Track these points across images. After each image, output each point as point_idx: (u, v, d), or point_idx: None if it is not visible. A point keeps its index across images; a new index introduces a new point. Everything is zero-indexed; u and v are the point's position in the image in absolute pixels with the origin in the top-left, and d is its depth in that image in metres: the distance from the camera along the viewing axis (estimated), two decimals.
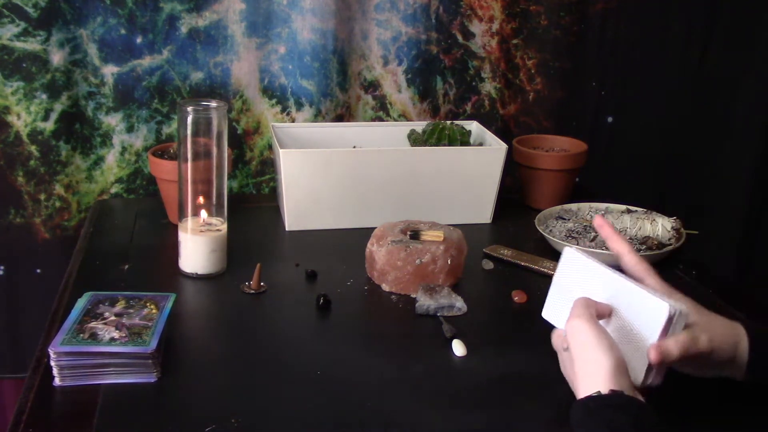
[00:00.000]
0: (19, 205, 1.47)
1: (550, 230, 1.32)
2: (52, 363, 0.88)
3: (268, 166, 1.59)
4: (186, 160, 1.14)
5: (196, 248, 1.16)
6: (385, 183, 1.36)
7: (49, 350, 0.89)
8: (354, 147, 1.47)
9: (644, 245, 1.25)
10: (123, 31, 1.44)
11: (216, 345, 1.02)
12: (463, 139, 1.42)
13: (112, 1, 1.42)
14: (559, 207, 1.41)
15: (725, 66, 1.73)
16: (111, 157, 1.51)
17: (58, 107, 1.43)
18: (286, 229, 1.37)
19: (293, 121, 1.56)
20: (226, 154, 1.17)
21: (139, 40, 1.46)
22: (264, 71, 1.53)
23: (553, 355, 0.87)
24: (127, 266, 1.20)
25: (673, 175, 1.79)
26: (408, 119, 1.64)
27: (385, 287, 1.15)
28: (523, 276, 1.23)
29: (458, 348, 0.99)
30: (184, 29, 1.47)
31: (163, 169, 1.33)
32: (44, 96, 1.42)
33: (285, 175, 1.32)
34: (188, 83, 1.50)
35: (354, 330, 1.07)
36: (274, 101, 1.55)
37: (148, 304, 0.99)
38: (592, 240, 1.28)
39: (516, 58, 1.67)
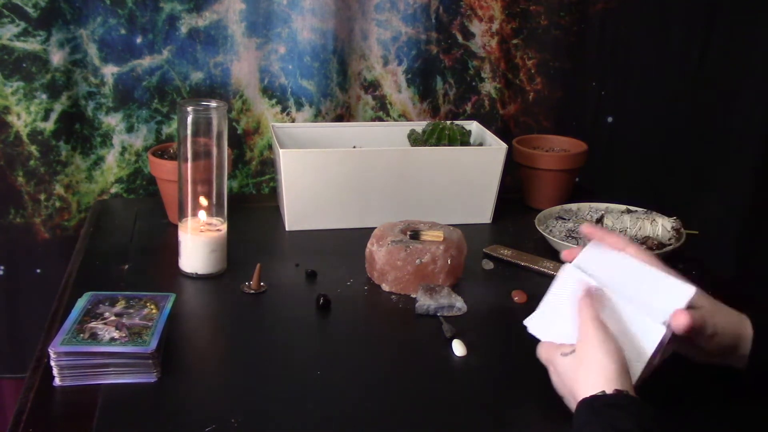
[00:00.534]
0: (19, 205, 1.47)
1: (550, 230, 1.32)
2: (52, 363, 0.88)
3: (268, 166, 1.59)
4: (186, 160, 1.14)
5: (196, 248, 1.16)
6: (385, 183, 1.36)
7: (49, 350, 0.89)
8: (354, 147, 1.47)
9: (644, 245, 1.25)
10: (123, 31, 1.45)
11: (216, 345, 1.02)
12: (463, 139, 1.42)
13: (112, 1, 1.42)
14: (559, 207, 1.41)
15: (725, 67, 1.73)
16: (111, 157, 1.51)
17: (58, 107, 1.44)
18: (286, 229, 1.37)
19: (293, 121, 1.56)
20: (226, 154, 1.17)
21: (139, 40, 1.46)
22: (264, 71, 1.53)
23: None
24: (127, 266, 1.20)
25: (673, 175, 1.79)
26: (408, 119, 1.64)
27: (385, 287, 1.15)
28: (523, 276, 1.23)
29: (458, 348, 0.99)
30: (184, 29, 1.47)
31: (163, 169, 1.33)
32: (44, 96, 1.42)
33: (285, 175, 1.32)
34: (188, 83, 1.50)
35: (354, 330, 1.07)
36: (274, 101, 1.55)
37: (148, 304, 0.99)
38: None
39: (516, 58, 1.67)
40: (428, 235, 1.17)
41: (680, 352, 0.86)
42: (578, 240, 1.28)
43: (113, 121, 1.49)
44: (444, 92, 1.65)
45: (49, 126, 1.44)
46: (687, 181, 1.80)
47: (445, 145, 1.41)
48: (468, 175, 1.39)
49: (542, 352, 0.88)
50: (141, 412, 0.86)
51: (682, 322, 0.80)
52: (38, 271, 1.51)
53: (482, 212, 1.43)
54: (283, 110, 1.56)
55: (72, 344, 0.89)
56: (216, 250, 1.17)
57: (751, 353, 0.86)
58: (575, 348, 0.82)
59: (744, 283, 1.83)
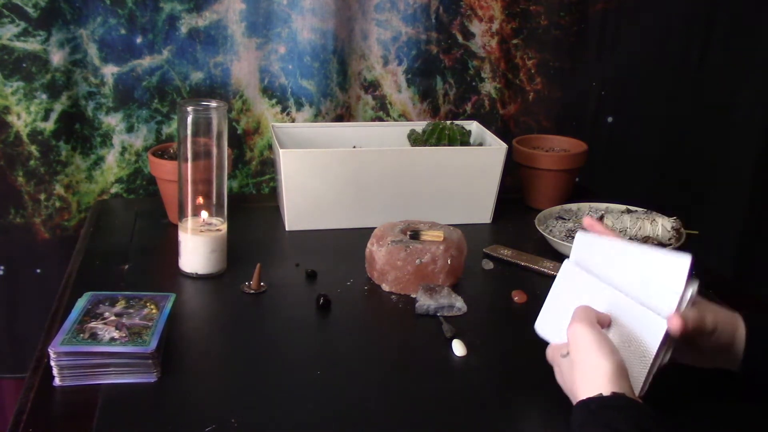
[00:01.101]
0: (19, 205, 1.47)
1: (550, 230, 1.32)
2: (52, 363, 0.88)
3: (268, 166, 1.59)
4: (186, 160, 1.14)
5: (196, 248, 1.16)
6: (385, 183, 1.36)
7: (49, 350, 0.89)
8: (354, 147, 1.47)
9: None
10: (123, 31, 1.45)
11: (216, 345, 1.02)
12: (463, 139, 1.42)
13: (112, 1, 1.42)
14: (559, 207, 1.41)
15: (725, 67, 1.73)
16: (111, 157, 1.51)
17: (58, 107, 1.44)
18: (286, 229, 1.37)
19: (293, 121, 1.56)
20: (226, 154, 1.17)
21: (139, 40, 1.46)
22: (264, 71, 1.53)
23: None
24: (127, 266, 1.20)
25: (673, 174, 1.79)
26: (408, 119, 1.64)
27: (385, 287, 1.15)
28: (523, 276, 1.23)
29: (458, 348, 0.99)
30: (184, 29, 1.47)
31: (163, 169, 1.33)
32: (44, 96, 1.42)
33: (285, 175, 1.32)
34: (188, 83, 1.50)
35: (354, 330, 1.07)
36: (274, 101, 1.55)
37: (148, 304, 0.99)
38: None
39: (516, 58, 1.67)
40: (428, 235, 1.17)
41: (674, 358, 0.86)
42: None
43: (113, 121, 1.49)
44: (444, 92, 1.65)
45: (49, 126, 1.44)
46: (687, 180, 1.80)
47: (445, 145, 1.41)
48: (468, 175, 1.39)
49: (549, 353, 0.88)
50: (141, 412, 0.86)
51: (674, 324, 0.80)
52: (38, 271, 1.51)
53: (482, 212, 1.43)
54: (283, 110, 1.56)
55: (72, 344, 0.89)
56: (216, 250, 1.17)
57: (745, 352, 0.87)
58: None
59: (744, 283, 1.83)
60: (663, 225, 1.28)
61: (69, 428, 0.84)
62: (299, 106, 1.56)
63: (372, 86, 1.61)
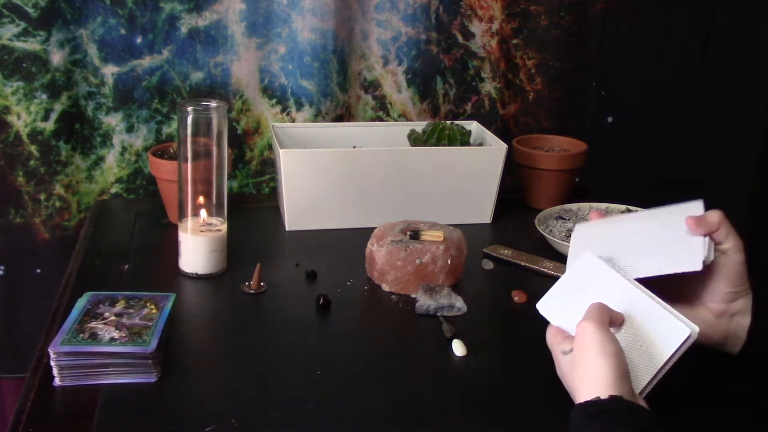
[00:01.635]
0: (19, 205, 1.47)
1: (550, 230, 1.32)
2: (52, 363, 0.88)
3: (268, 166, 1.59)
4: (186, 160, 1.14)
5: (196, 248, 1.16)
6: (385, 183, 1.36)
7: (49, 350, 0.89)
8: (354, 147, 1.47)
9: None
10: (123, 31, 1.44)
11: (216, 345, 1.02)
12: (463, 139, 1.42)
13: (112, 1, 1.42)
14: (559, 207, 1.41)
15: (725, 66, 1.73)
16: (111, 157, 1.51)
17: (58, 107, 1.43)
18: (286, 229, 1.37)
19: (293, 121, 1.56)
20: (226, 154, 1.17)
21: (139, 40, 1.46)
22: (264, 71, 1.53)
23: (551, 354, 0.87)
24: (127, 266, 1.20)
25: (673, 174, 1.79)
26: (408, 119, 1.64)
27: (385, 287, 1.15)
28: (523, 276, 1.23)
29: (458, 348, 0.99)
30: (184, 29, 1.47)
31: (163, 169, 1.33)
32: (44, 96, 1.42)
33: (285, 175, 1.32)
34: (188, 83, 1.50)
35: (354, 330, 1.07)
36: (274, 101, 1.55)
37: (148, 304, 0.99)
38: None
39: (516, 58, 1.67)
40: (428, 235, 1.17)
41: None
42: None
43: (113, 121, 1.49)
44: (444, 92, 1.65)
45: (49, 126, 1.44)
46: (687, 181, 1.79)
47: (445, 145, 1.41)
48: (468, 175, 1.39)
49: (549, 337, 0.86)
50: (141, 412, 0.86)
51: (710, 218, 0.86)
52: (38, 271, 1.51)
53: (482, 212, 1.43)
54: (283, 110, 1.56)
55: (72, 344, 0.89)
56: (216, 250, 1.17)
57: (750, 328, 0.87)
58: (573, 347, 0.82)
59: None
60: None
61: (69, 428, 0.84)
62: (299, 106, 1.56)
63: (372, 86, 1.61)
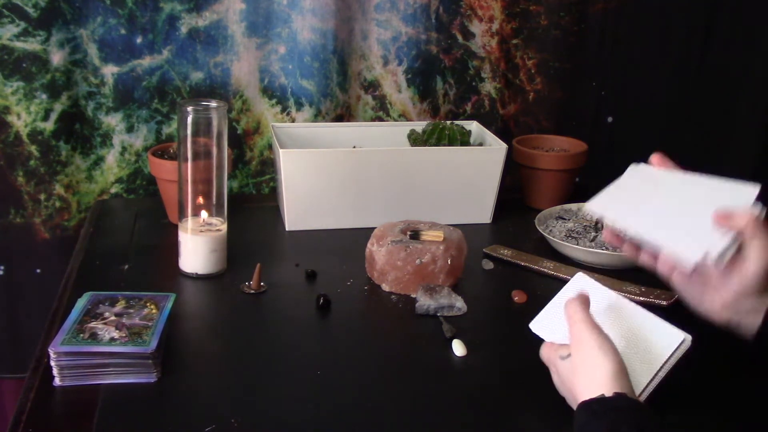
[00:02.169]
0: (19, 205, 1.47)
1: (550, 230, 1.32)
2: (52, 363, 0.88)
3: (268, 166, 1.59)
4: (186, 160, 1.14)
5: (196, 248, 1.16)
6: (385, 183, 1.36)
7: (49, 350, 0.89)
8: (354, 147, 1.47)
9: None
10: (123, 31, 1.44)
11: (216, 345, 1.02)
12: (463, 139, 1.42)
13: (112, 1, 1.42)
14: (559, 207, 1.41)
15: (725, 66, 1.73)
16: (111, 157, 1.51)
17: (58, 107, 1.43)
18: (286, 229, 1.37)
19: (293, 121, 1.56)
20: (226, 154, 1.17)
21: (139, 40, 1.46)
22: (264, 71, 1.53)
23: None
24: (127, 266, 1.20)
25: None
26: (408, 119, 1.64)
27: (385, 287, 1.15)
28: (523, 276, 1.23)
29: (458, 348, 0.99)
30: (184, 29, 1.47)
31: (163, 169, 1.33)
32: (44, 96, 1.42)
33: (285, 175, 1.32)
34: (188, 83, 1.50)
35: (354, 330, 1.07)
36: (274, 101, 1.55)
37: (148, 304, 0.99)
38: (592, 240, 1.28)
39: (516, 58, 1.67)
40: (428, 235, 1.17)
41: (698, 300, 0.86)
42: (578, 240, 1.28)
43: (113, 121, 1.49)
44: (444, 92, 1.65)
45: (49, 126, 1.44)
46: None
47: (445, 145, 1.41)
48: (468, 175, 1.39)
49: (544, 352, 0.89)
50: (141, 412, 0.86)
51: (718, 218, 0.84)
52: (38, 271, 1.51)
53: (482, 212, 1.43)
54: (283, 110, 1.56)
55: (72, 344, 0.89)
56: (216, 250, 1.17)
57: (760, 329, 0.86)
58: (571, 351, 0.82)
59: None
60: None
61: (69, 428, 0.84)
62: (299, 106, 1.56)
63: (372, 86, 1.61)
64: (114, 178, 1.52)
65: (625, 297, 0.90)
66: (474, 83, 1.66)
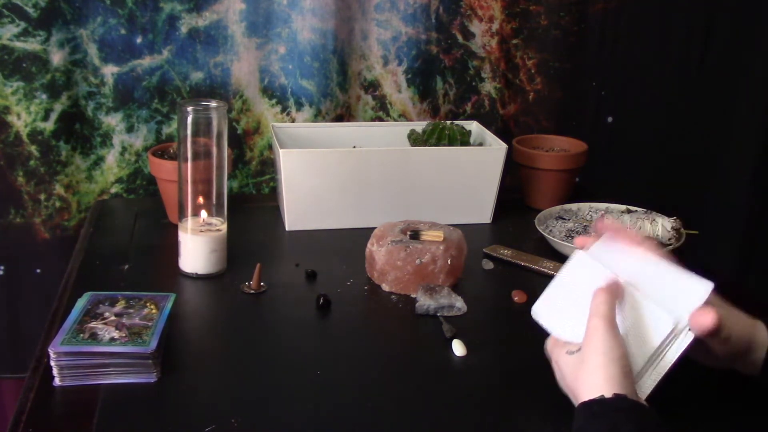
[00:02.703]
0: (19, 205, 1.47)
1: (550, 230, 1.32)
2: (52, 363, 0.88)
3: (268, 166, 1.59)
4: (186, 160, 1.14)
5: (196, 248, 1.16)
6: (385, 183, 1.36)
7: (49, 350, 0.89)
8: (354, 147, 1.47)
9: None
10: (123, 31, 1.44)
11: (216, 345, 1.02)
12: (463, 139, 1.42)
13: (112, 1, 1.42)
14: (559, 207, 1.41)
15: (725, 66, 1.73)
16: (111, 157, 1.51)
17: (58, 107, 1.43)
18: (286, 229, 1.37)
19: (293, 121, 1.56)
20: (226, 154, 1.17)
21: (139, 40, 1.46)
22: (264, 71, 1.53)
23: None
24: (127, 266, 1.20)
25: (673, 175, 1.79)
26: (408, 119, 1.64)
27: (385, 287, 1.15)
28: (523, 276, 1.23)
29: (458, 348, 0.99)
30: (184, 29, 1.47)
31: (163, 169, 1.33)
32: (44, 96, 1.42)
33: (285, 175, 1.32)
34: (188, 83, 1.50)
35: (354, 330, 1.07)
36: (274, 101, 1.55)
37: (148, 304, 0.99)
38: None
39: (516, 58, 1.67)
40: (428, 235, 1.17)
41: (689, 356, 0.85)
42: None
43: (113, 121, 1.49)
44: (444, 92, 1.65)
45: (49, 126, 1.44)
46: (687, 181, 1.80)
47: (445, 145, 1.41)
48: (468, 175, 1.39)
49: (548, 344, 0.87)
50: (141, 412, 0.86)
51: (706, 321, 0.78)
52: (38, 271, 1.51)
53: (482, 212, 1.43)
54: (283, 110, 1.56)
55: (72, 344, 0.89)
56: (216, 250, 1.17)
57: (766, 360, 0.85)
58: (581, 346, 0.81)
59: (746, 283, 1.83)
60: (663, 225, 1.28)
61: (69, 428, 0.84)
62: (299, 106, 1.56)
63: (372, 86, 1.61)
64: (114, 178, 1.52)
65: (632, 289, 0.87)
66: (474, 83, 1.66)
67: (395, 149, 1.43)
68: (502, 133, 1.60)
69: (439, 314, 1.08)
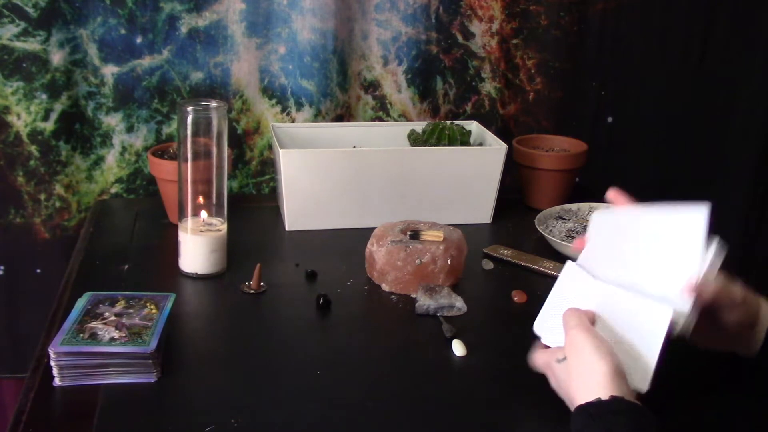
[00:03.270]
0: (19, 205, 1.47)
1: (550, 230, 1.32)
2: (52, 363, 0.88)
3: (268, 166, 1.59)
4: (186, 160, 1.14)
5: (196, 248, 1.16)
6: (385, 183, 1.36)
7: (49, 350, 0.89)
8: (354, 147, 1.47)
9: None
10: (123, 31, 1.44)
11: (216, 345, 1.02)
12: (463, 139, 1.42)
13: (112, 1, 1.42)
14: (559, 207, 1.41)
15: (725, 66, 1.73)
16: (111, 157, 1.51)
17: (58, 107, 1.43)
18: (286, 229, 1.37)
19: (293, 121, 1.56)
20: (226, 154, 1.17)
21: (139, 40, 1.46)
22: (264, 71, 1.53)
23: None
24: (127, 266, 1.20)
25: (673, 174, 1.79)
26: (408, 119, 1.64)
27: (385, 287, 1.15)
28: (523, 276, 1.23)
29: (458, 348, 0.99)
30: (184, 29, 1.47)
31: (163, 169, 1.33)
32: (44, 96, 1.42)
33: (285, 175, 1.32)
34: (188, 83, 1.50)
35: (354, 330, 1.07)
36: (274, 101, 1.55)
37: (148, 304, 0.99)
38: None
39: (516, 58, 1.67)
40: (428, 235, 1.17)
41: (693, 339, 0.85)
42: None
43: (113, 121, 1.49)
44: (444, 92, 1.65)
45: (49, 126, 1.44)
46: (687, 181, 1.79)
47: (445, 145, 1.41)
48: (468, 175, 1.39)
49: (538, 359, 0.88)
50: (141, 412, 0.86)
51: (692, 286, 0.80)
52: (38, 271, 1.51)
53: (482, 212, 1.43)
54: (283, 110, 1.56)
55: (72, 344, 0.89)
56: (216, 250, 1.17)
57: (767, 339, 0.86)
58: (566, 355, 0.82)
59: (744, 283, 1.83)
60: None
61: (69, 428, 0.84)
62: (299, 106, 1.56)
63: (372, 86, 1.61)
64: (114, 178, 1.52)
65: (610, 284, 0.88)
66: (474, 83, 1.66)
67: (395, 149, 1.43)
68: (502, 133, 1.60)
69: (439, 314, 1.08)
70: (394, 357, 1.00)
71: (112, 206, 1.48)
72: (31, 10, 1.37)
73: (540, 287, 1.17)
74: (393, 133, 1.50)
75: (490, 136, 1.46)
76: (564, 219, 1.37)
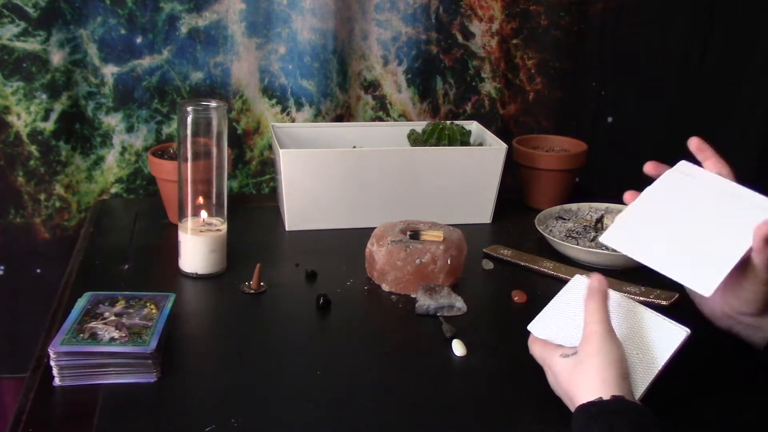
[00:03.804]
0: (19, 205, 1.47)
1: (550, 230, 1.32)
2: (52, 363, 0.88)
3: (268, 166, 1.59)
4: (186, 160, 1.14)
5: (196, 248, 1.16)
6: (385, 183, 1.36)
7: (49, 350, 0.89)
8: (354, 147, 1.47)
9: None
10: (123, 31, 1.44)
11: (216, 345, 1.02)
12: (463, 139, 1.42)
13: (112, 1, 1.42)
14: (559, 207, 1.41)
15: (725, 66, 1.73)
16: (111, 157, 1.50)
17: (58, 107, 1.43)
18: (286, 229, 1.37)
19: (293, 121, 1.56)
20: (226, 154, 1.17)
21: (139, 40, 1.46)
22: (264, 71, 1.53)
23: None
24: (127, 266, 1.20)
25: None
26: (408, 119, 1.64)
27: (385, 287, 1.15)
28: (523, 276, 1.23)
29: (458, 348, 0.99)
30: (184, 29, 1.47)
31: (163, 169, 1.33)
32: (44, 96, 1.42)
33: (285, 175, 1.32)
34: (188, 83, 1.50)
35: (354, 330, 1.07)
36: (274, 101, 1.55)
37: (148, 304, 0.99)
38: (592, 240, 1.28)
39: (516, 58, 1.67)
40: (428, 235, 1.17)
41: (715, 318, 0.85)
42: (578, 240, 1.28)
43: (113, 121, 1.49)
44: (444, 92, 1.65)
45: (49, 126, 1.44)
46: None
47: (445, 145, 1.41)
48: (468, 175, 1.39)
49: (537, 350, 0.88)
50: (141, 412, 0.86)
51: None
52: (38, 271, 1.51)
53: (482, 212, 1.43)
54: (283, 110, 1.56)
55: (72, 344, 0.89)
56: (216, 250, 1.17)
57: None
58: (577, 350, 0.82)
59: None
60: None
61: (69, 428, 0.84)
62: (299, 106, 1.56)
63: (372, 86, 1.61)
64: (114, 178, 1.52)
65: (625, 296, 0.89)
66: (474, 83, 1.66)
67: (395, 149, 1.43)
68: (502, 133, 1.60)
69: (439, 314, 1.08)
70: (394, 357, 1.00)
71: (112, 206, 1.48)
72: (31, 10, 1.37)
73: (540, 287, 1.17)
74: (393, 133, 1.50)
75: (490, 136, 1.46)
76: (564, 219, 1.37)
